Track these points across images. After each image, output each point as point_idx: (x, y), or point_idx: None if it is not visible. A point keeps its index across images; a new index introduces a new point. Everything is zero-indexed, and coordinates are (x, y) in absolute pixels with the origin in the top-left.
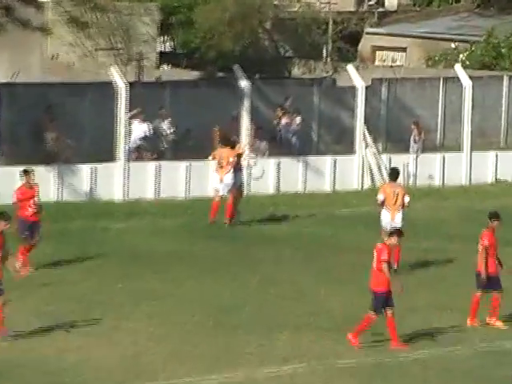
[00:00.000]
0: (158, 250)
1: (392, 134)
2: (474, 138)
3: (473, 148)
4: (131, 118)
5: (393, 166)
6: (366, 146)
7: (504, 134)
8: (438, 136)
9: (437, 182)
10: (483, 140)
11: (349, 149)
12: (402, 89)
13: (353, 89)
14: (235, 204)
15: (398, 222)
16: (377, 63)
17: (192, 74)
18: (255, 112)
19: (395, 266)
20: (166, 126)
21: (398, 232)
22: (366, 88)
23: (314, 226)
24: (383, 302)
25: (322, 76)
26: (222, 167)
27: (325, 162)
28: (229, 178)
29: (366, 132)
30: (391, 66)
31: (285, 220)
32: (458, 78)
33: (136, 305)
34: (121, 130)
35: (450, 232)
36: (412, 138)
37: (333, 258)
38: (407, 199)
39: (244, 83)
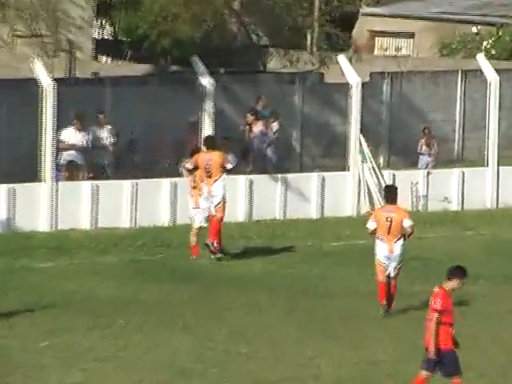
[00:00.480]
0: (97, 295)
1: (396, 144)
2: (501, 149)
3: (500, 162)
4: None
5: (391, 183)
6: (363, 160)
7: None
8: (456, 146)
9: (454, 206)
10: None
11: (341, 164)
12: (410, 86)
13: (346, 86)
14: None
15: (398, 252)
16: (376, 53)
17: (139, 69)
18: (220, 116)
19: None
20: (105, 134)
21: (460, 272)
22: (363, 85)
23: (296, 264)
24: (454, 359)
25: (306, 70)
26: (210, 176)
27: (310, 180)
28: (218, 187)
29: (363, 142)
30: (395, 57)
31: (259, 256)
32: (480, 71)
33: (66, 369)
34: (47, 140)
35: (472, 270)
36: (422, 150)
37: (321, 305)
38: (408, 223)
39: (206, 80)
